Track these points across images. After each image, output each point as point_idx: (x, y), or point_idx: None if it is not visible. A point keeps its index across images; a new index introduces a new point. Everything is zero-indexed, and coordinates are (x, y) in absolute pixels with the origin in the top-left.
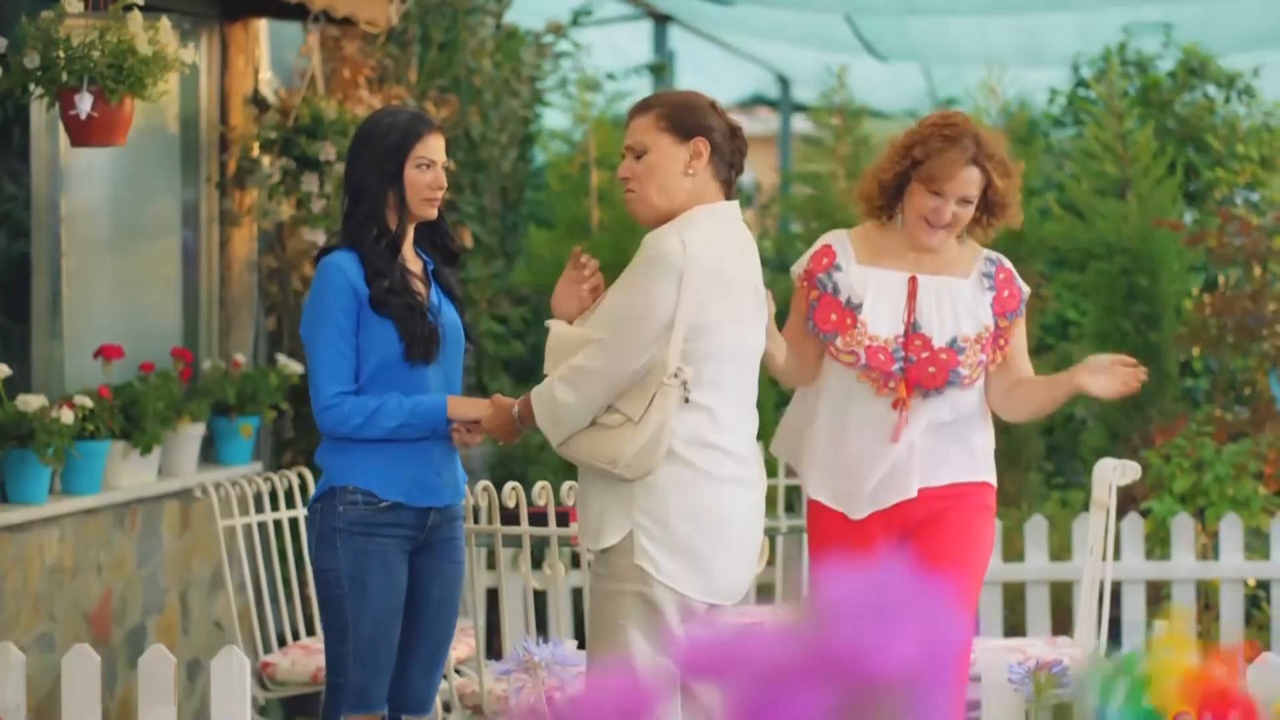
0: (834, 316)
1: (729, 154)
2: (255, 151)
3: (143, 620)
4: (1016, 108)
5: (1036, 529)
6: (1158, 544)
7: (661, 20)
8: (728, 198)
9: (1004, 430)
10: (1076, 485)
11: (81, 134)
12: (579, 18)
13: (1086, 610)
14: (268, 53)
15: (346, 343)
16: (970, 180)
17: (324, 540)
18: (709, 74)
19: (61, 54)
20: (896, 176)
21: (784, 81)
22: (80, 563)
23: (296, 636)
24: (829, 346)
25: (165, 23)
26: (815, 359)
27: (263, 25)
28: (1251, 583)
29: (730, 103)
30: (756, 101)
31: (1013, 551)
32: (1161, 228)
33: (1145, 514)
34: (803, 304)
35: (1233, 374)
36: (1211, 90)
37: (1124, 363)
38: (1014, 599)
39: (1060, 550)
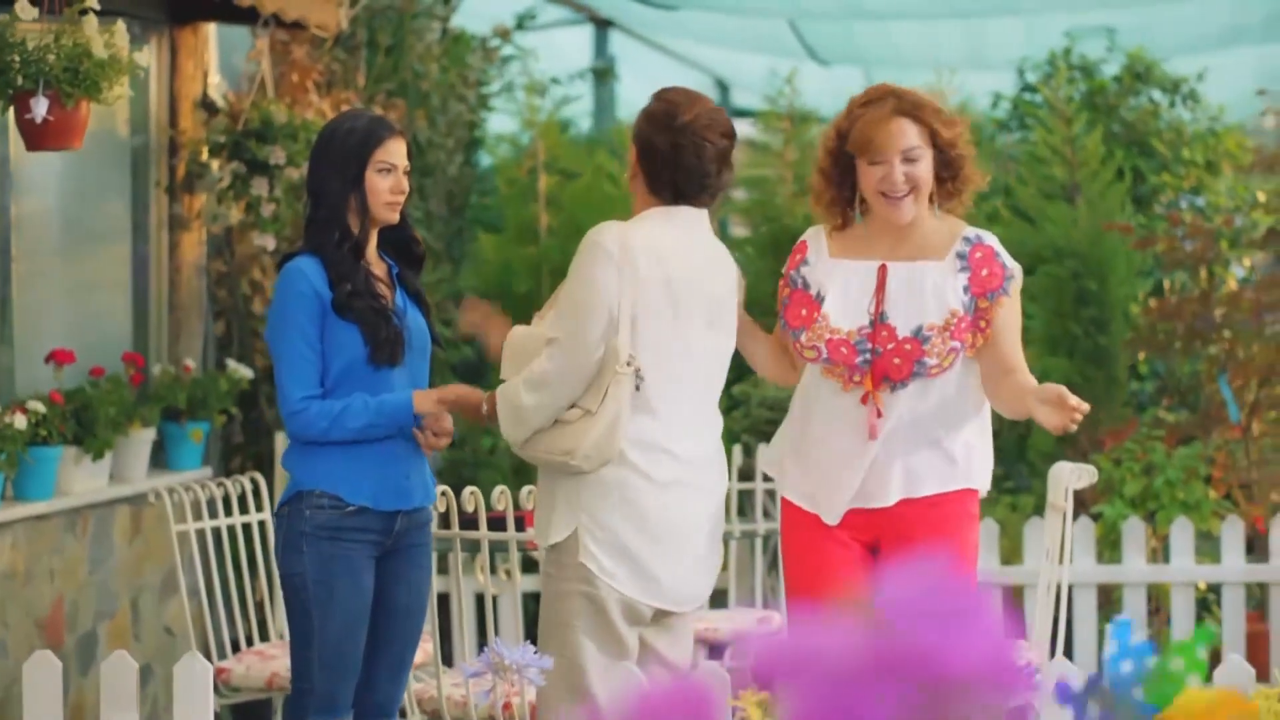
0: (804, 312)
1: (671, 168)
2: (204, 156)
3: (94, 626)
4: (963, 112)
5: (987, 533)
6: (1108, 547)
7: (602, 25)
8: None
9: None
10: (1025, 489)
11: (37, 138)
12: (523, 22)
13: (1043, 614)
14: (216, 57)
15: (311, 347)
16: (903, 132)
17: (290, 545)
18: (648, 79)
19: (16, 58)
20: (835, 161)
21: (723, 86)
22: (32, 569)
23: (250, 642)
24: (795, 343)
25: (120, 26)
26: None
27: (211, 29)
28: (1202, 586)
29: None
30: None
31: None
32: (1110, 232)
33: (1096, 518)
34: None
35: (1179, 378)
36: (1156, 95)
37: (1072, 405)
38: None
39: (1010, 554)
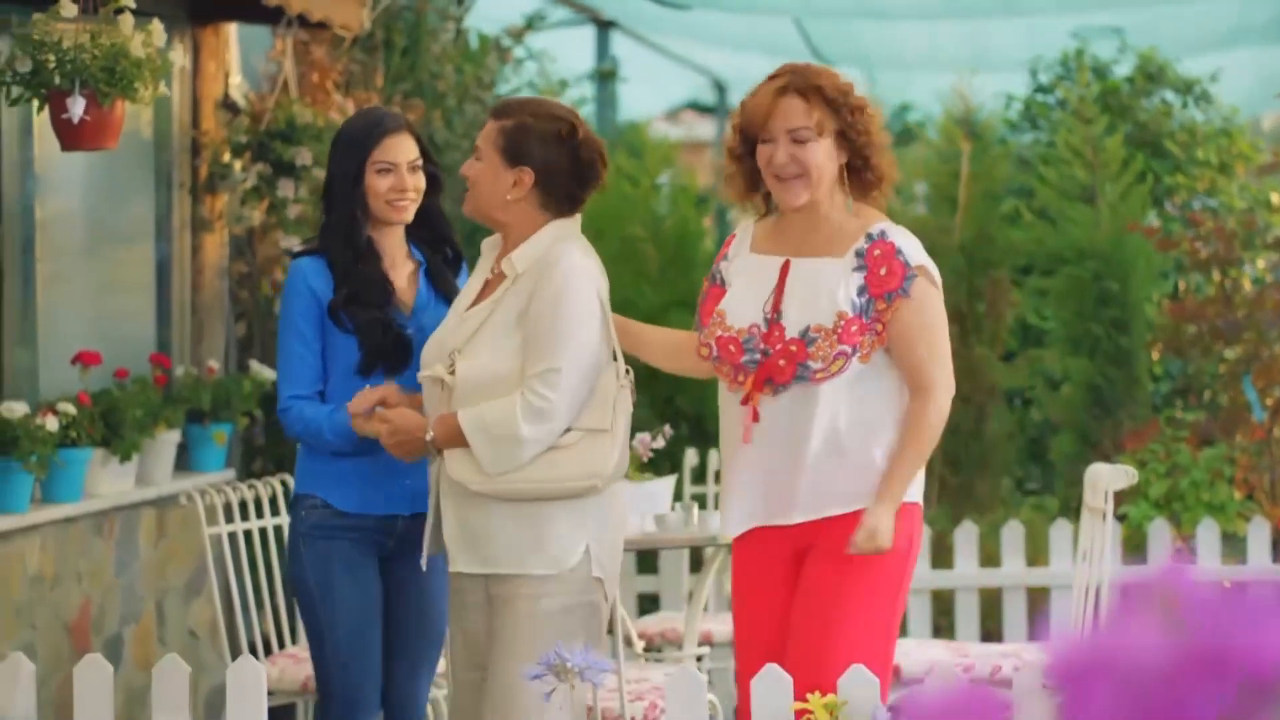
0: (712, 308)
1: (567, 185)
2: (226, 156)
3: (120, 629)
4: (985, 113)
5: (1013, 535)
6: (1132, 549)
7: (604, 26)
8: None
9: (975, 435)
10: (1048, 491)
11: (73, 138)
12: (533, 23)
13: (1078, 616)
14: (237, 57)
15: (306, 347)
16: (791, 110)
17: (292, 549)
18: (646, 79)
19: (52, 57)
20: (741, 139)
21: (720, 88)
22: (61, 572)
23: (282, 645)
24: (700, 340)
25: (157, 25)
26: None
27: (232, 29)
28: (1229, 586)
29: (664, 109)
30: (692, 107)
31: (988, 558)
32: (1131, 233)
33: (1121, 519)
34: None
35: (1200, 379)
36: (1169, 95)
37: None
38: (990, 605)
39: (1035, 556)
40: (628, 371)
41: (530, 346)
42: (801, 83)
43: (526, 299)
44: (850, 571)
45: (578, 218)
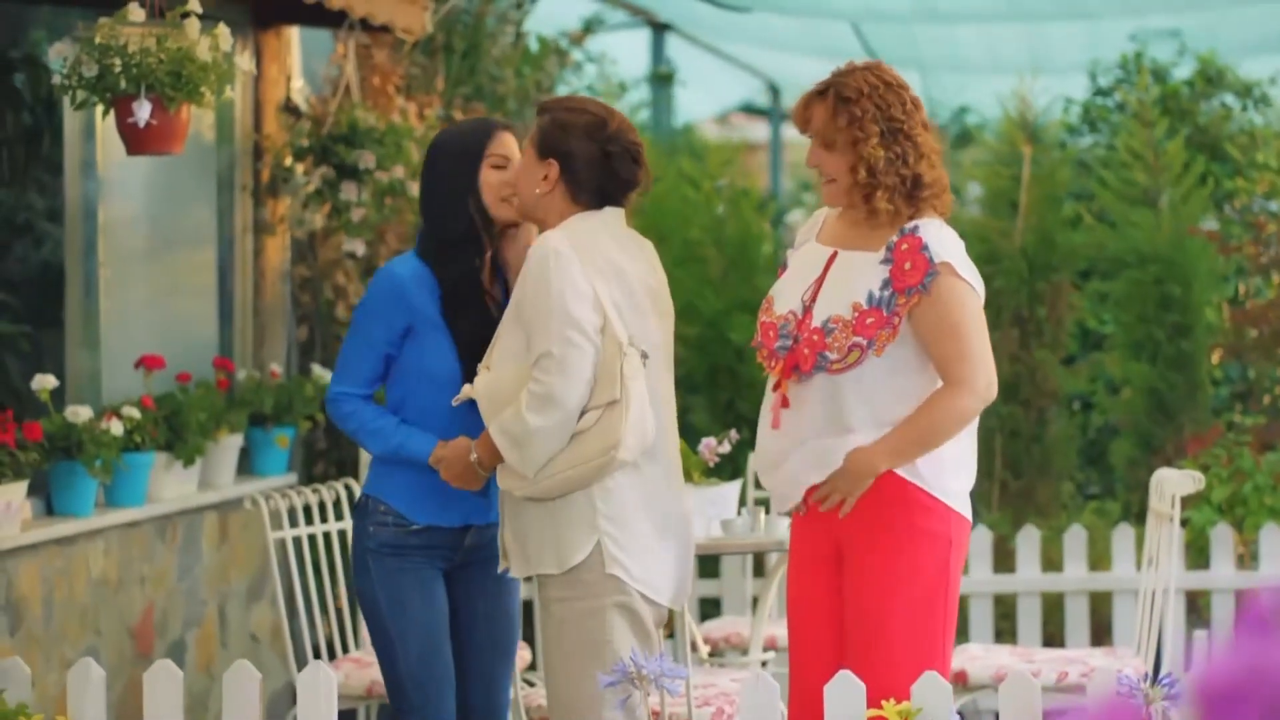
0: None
1: (596, 179)
2: (288, 160)
3: (183, 634)
4: (1049, 118)
5: (1075, 539)
6: (1195, 554)
7: (659, 29)
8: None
9: (1036, 439)
10: (1109, 495)
11: (139, 142)
12: (592, 26)
13: (1145, 622)
14: (299, 61)
15: (371, 348)
16: (817, 114)
17: (359, 561)
18: (699, 82)
19: (118, 61)
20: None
21: (774, 90)
22: (124, 576)
23: (346, 649)
24: None
25: (224, 30)
26: None
27: (294, 33)
28: None
29: (717, 111)
30: (746, 110)
31: (1050, 562)
32: (1192, 237)
33: (1183, 523)
34: None
35: (1261, 383)
36: (1229, 99)
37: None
38: (1052, 609)
39: (1097, 560)
40: (631, 340)
41: (529, 339)
42: (842, 88)
43: (519, 293)
44: (886, 588)
45: (610, 212)
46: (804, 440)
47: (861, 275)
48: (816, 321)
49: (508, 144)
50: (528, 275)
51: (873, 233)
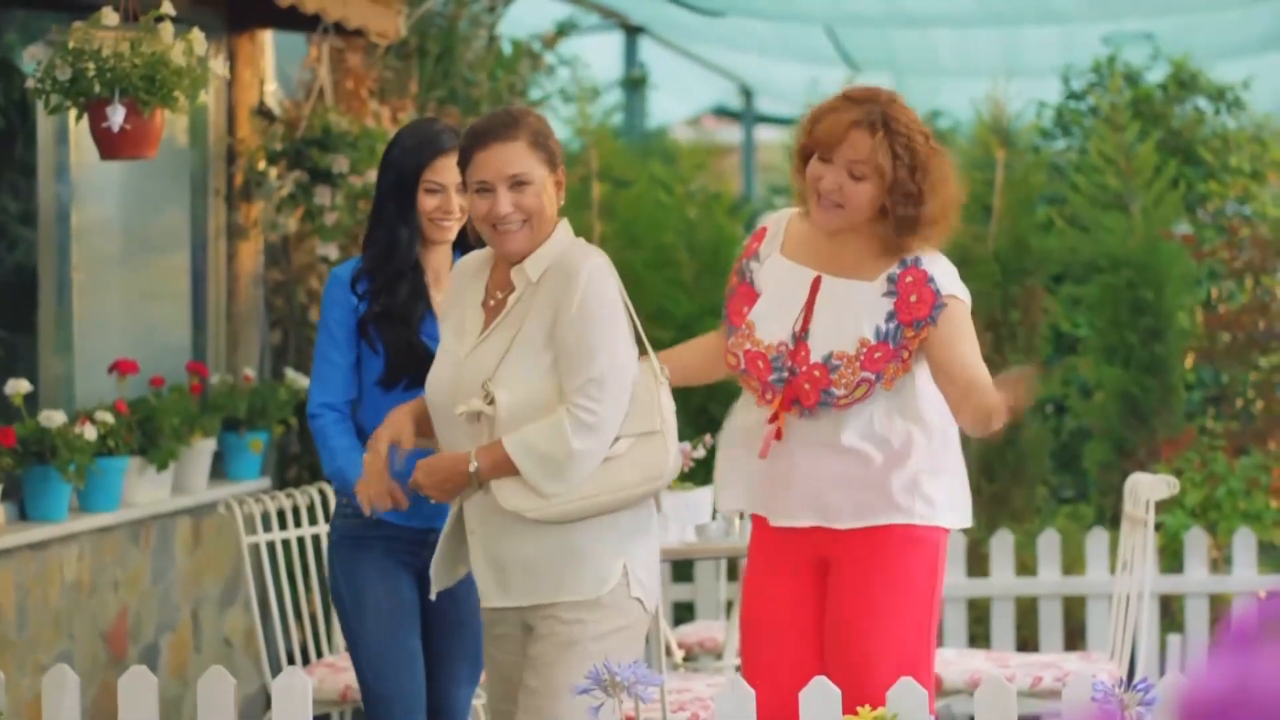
0: (744, 309)
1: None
2: (261, 164)
3: (156, 638)
4: (1022, 122)
5: (1049, 544)
6: (1169, 558)
7: (632, 32)
8: None
9: (1010, 443)
10: (1082, 499)
11: (112, 147)
12: (565, 30)
13: (1118, 626)
14: (273, 65)
15: (339, 352)
16: (859, 144)
17: (328, 556)
18: (672, 85)
19: (92, 65)
20: (804, 149)
21: (747, 93)
22: (98, 580)
23: (320, 654)
24: (725, 340)
25: (198, 34)
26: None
27: (268, 37)
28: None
29: (691, 114)
30: (717, 113)
31: (1023, 567)
32: (1166, 241)
33: (1157, 528)
34: (727, 290)
35: (1235, 387)
36: (1202, 102)
37: (1016, 384)
38: (1026, 613)
39: (1071, 564)
40: (663, 369)
41: (565, 359)
42: (883, 122)
43: (551, 310)
44: (878, 595)
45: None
46: (814, 468)
47: (863, 308)
48: (816, 356)
49: (445, 169)
50: (573, 294)
51: (866, 260)
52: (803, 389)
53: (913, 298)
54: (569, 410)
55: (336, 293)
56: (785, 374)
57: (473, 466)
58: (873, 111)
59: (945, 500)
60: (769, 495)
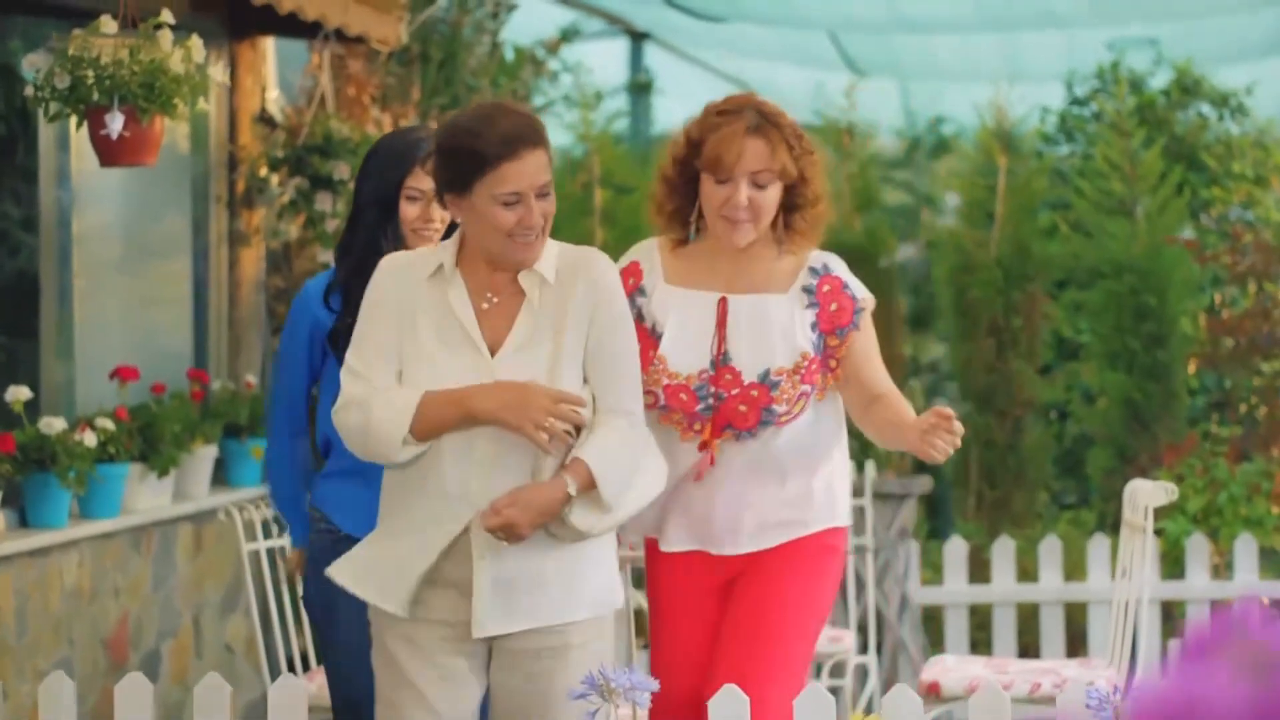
0: (650, 352)
1: None
2: (263, 171)
3: (157, 644)
4: (1025, 127)
5: (1050, 550)
6: (1170, 564)
7: (638, 38)
8: None
9: (1012, 449)
10: (1084, 505)
11: (111, 154)
12: (569, 36)
13: (1119, 632)
14: (274, 71)
15: (292, 374)
16: (756, 153)
17: (304, 568)
18: (676, 91)
19: (91, 73)
20: (681, 170)
21: None
22: (98, 587)
23: (320, 661)
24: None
25: (197, 41)
26: None
27: (269, 44)
28: (1266, 602)
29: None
30: None
31: (1025, 573)
32: (1169, 246)
33: (1159, 533)
34: None
35: (1237, 393)
36: (1205, 108)
37: (945, 422)
38: (1027, 619)
39: (1073, 570)
40: None
41: (609, 364)
42: (768, 125)
43: (585, 314)
44: (784, 595)
45: None
46: (739, 492)
47: (784, 321)
48: (751, 376)
49: (425, 177)
50: (608, 310)
51: (764, 273)
52: (737, 411)
53: (833, 306)
54: (629, 421)
55: (296, 308)
56: (711, 401)
57: (572, 489)
58: (753, 117)
59: (844, 499)
60: (707, 527)
